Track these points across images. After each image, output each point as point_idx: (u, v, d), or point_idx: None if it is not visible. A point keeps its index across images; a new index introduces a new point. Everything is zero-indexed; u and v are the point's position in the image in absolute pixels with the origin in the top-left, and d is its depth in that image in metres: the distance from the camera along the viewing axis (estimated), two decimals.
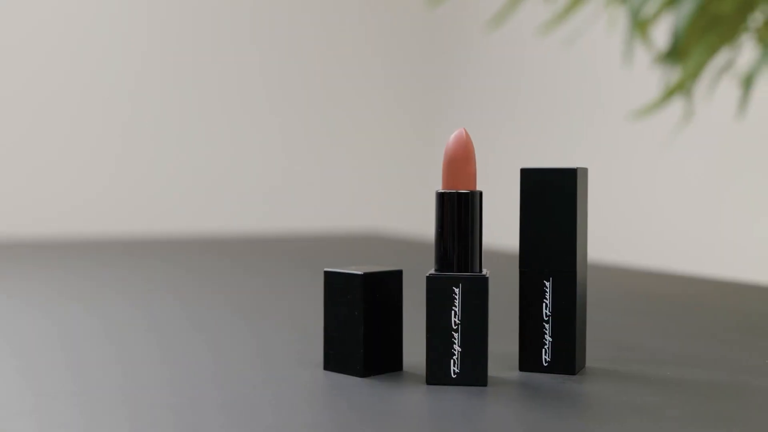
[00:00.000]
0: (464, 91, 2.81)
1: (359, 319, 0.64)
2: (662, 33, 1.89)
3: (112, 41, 2.43)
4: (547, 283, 0.64)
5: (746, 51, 1.71)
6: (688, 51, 1.48)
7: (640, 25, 1.51)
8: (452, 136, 0.63)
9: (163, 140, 2.51)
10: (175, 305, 1.01)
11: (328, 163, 2.74)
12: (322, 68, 2.73)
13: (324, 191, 2.72)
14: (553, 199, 0.64)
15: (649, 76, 1.91)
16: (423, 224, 2.41)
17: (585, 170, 0.66)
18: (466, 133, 0.64)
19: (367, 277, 0.64)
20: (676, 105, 1.93)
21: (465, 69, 2.83)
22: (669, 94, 1.47)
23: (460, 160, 0.63)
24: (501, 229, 1.86)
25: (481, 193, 0.63)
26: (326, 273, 0.66)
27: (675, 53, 1.46)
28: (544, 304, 0.64)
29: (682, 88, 1.47)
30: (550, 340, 0.64)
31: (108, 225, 2.38)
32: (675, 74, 1.53)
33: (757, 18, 1.51)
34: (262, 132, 2.64)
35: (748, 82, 1.43)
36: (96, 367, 0.69)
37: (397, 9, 2.84)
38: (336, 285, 0.65)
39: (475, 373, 0.61)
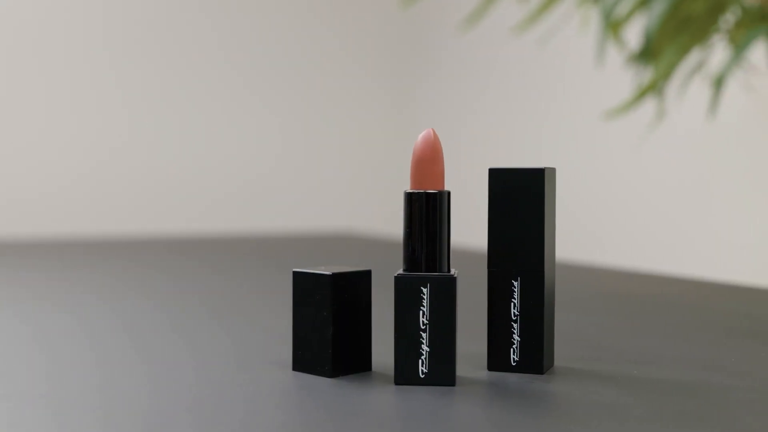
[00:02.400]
0: (436, 91, 2.81)
1: (328, 320, 0.63)
2: (634, 33, 1.90)
3: (96, 39, 2.42)
4: (515, 283, 0.64)
5: (718, 51, 1.72)
6: (659, 51, 1.49)
7: (612, 26, 1.52)
8: (420, 136, 0.63)
9: (133, 142, 2.50)
10: (147, 305, 1.00)
11: (300, 164, 2.73)
12: (294, 69, 2.73)
13: (296, 191, 2.72)
14: (521, 199, 0.64)
15: (621, 77, 1.92)
16: (395, 224, 2.41)
17: (553, 170, 0.66)
18: (434, 133, 0.64)
19: (336, 277, 0.64)
20: (649, 105, 1.94)
21: (436, 69, 2.83)
22: (641, 94, 1.48)
23: (428, 160, 0.63)
24: (469, 228, 1.86)
25: (449, 193, 0.63)
26: (295, 273, 0.66)
27: (647, 53, 1.47)
28: (512, 304, 0.64)
29: (654, 88, 1.48)
30: (519, 339, 0.65)
31: (80, 226, 2.36)
32: (647, 74, 1.53)
33: (728, 19, 1.52)
34: (235, 133, 2.64)
35: (718, 83, 1.44)
36: (67, 367, 0.68)
37: (369, 9, 2.84)
38: (304, 285, 0.65)
39: (443, 373, 0.61)
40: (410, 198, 0.63)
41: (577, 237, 2.18)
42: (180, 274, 1.32)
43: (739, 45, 1.42)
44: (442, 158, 0.63)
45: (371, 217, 2.75)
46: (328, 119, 2.79)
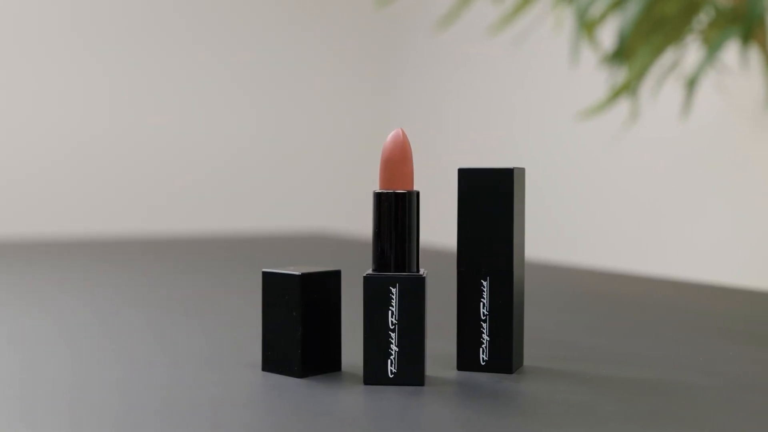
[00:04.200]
0: (408, 91, 2.82)
1: (297, 320, 0.63)
2: (608, 34, 1.91)
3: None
4: (485, 283, 0.64)
5: (691, 52, 1.73)
6: (633, 52, 1.50)
7: (586, 26, 1.53)
8: (389, 136, 0.63)
9: (110, 141, 2.49)
10: (120, 305, 1.00)
11: (273, 165, 2.73)
12: (268, 72, 2.72)
13: (270, 192, 2.71)
14: (490, 199, 0.64)
15: (595, 77, 1.93)
16: (369, 224, 2.41)
17: (522, 170, 0.66)
18: (403, 133, 0.64)
19: (305, 277, 0.63)
20: (622, 105, 1.95)
21: (407, 69, 2.84)
22: (615, 94, 1.49)
23: (397, 160, 0.63)
24: (439, 228, 1.86)
25: (418, 193, 0.63)
26: (264, 273, 0.66)
27: (621, 54, 1.47)
28: (481, 304, 0.65)
29: (628, 88, 1.48)
30: (488, 339, 0.65)
31: (56, 226, 2.35)
32: (621, 75, 1.54)
33: (701, 20, 1.53)
34: (210, 134, 2.63)
35: (691, 84, 1.45)
36: (39, 367, 0.68)
37: (342, 11, 2.84)
38: (274, 286, 0.65)
39: (412, 373, 0.61)
40: (379, 198, 0.63)
41: (548, 237, 2.19)
42: (153, 274, 1.32)
43: (713, 45, 1.43)
44: (411, 158, 0.63)
45: (346, 216, 2.75)
46: (301, 119, 2.78)
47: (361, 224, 2.60)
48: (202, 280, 1.25)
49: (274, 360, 0.65)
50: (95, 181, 2.44)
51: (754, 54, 1.72)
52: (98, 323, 0.89)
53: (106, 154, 2.46)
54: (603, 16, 1.52)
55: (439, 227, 1.81)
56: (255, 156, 2.69)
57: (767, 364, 0.70)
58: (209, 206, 2.60)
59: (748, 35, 1.42)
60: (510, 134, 2.41)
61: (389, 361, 0.61)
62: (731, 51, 1.76)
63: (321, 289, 0.65)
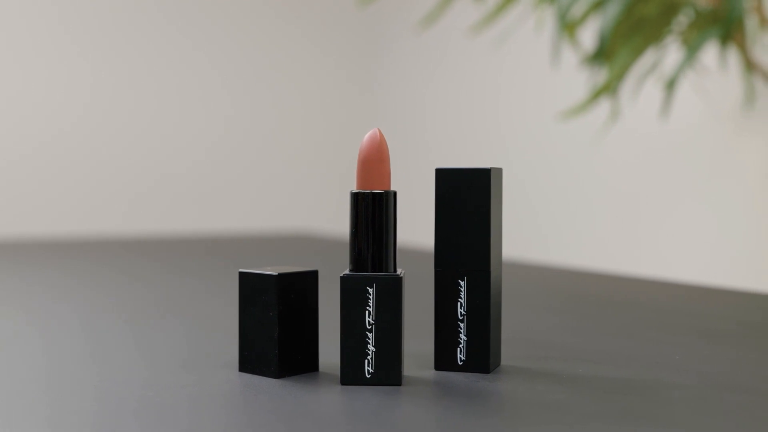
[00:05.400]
0: (390, 90, 2.82)
1: (274, 320, 0.63)
2: (589, 35, 1.91)
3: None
4: (462, 283, 0.64)
5: (671, 53, 1.74)
6: (614, 52, 1.50)
7: (567, 27, 1.53)
8: (366, 136, 0.63)
9: (89, 140, 2.48)
10: (96, 305, 0.99)
11: (259, 164, 2.73)
12: (250, 69, 2.72)
13: (254, 191, 2.71)
14: (467, 199, 0.64)
15: (575, 77, 1.93)
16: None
17: (499, 170, 0.66)
18: (380, 133, 0.64)
19: (281, 278, 0.63)
20: (603, 106, 1.96)
21: (387, 69, 2.84)
22: (596, 95, 1.49)
23: (374, 160, 0.63)
24: (416, 228, 1.86)
25: (395, 193, 0.63)
26: (241, 274, 0.65)
27: (601, 54, 1.48)
28: (458, 304, 0.65)
29: (608, 89, 1.49)
30: (465, 339, 0.65)
31: (42, 226, 2.34)
32: (601, 75, 1.55)
33: (681, 21, 1.54)
34: (194, 132, 2.62)
35: (671, 85, 1.46)
36: (15, 368, 0.68)
37: (321, 11, 2.83)
38: (250, 286, 0.65)
39: (389, 373, 0.61)
40: (356, 198, 0.63)
41: (526, 236, 2.19)
42: (130, 274, 1.31)
43: (692, 47, 1.43)
44: (389, 158, 0.63)
45: (327, 216, 2.75)
46: (283, 119, 2.78)
47: (343, 224, 2.60)
48: (185, 281, 1.25)
49: (252, 360, 0.65)
50: (69, 180, 2.43)
51: (733, 55, 1.72)
52: (75, 323, 0.88)
53: (81, 154, 2.45)
54: (584, 17, 1.52)
55: (416, 227, 1.81)
56: (237, 155, 2.69)
57: (743, 363, 0.71)
58: (191, 206, 2.60)
59: (727, 37, 1.43)
60: (489, 134, 2.42)
61: (366, 361, 0.61)
62: (710, 52, 1.77)
63: (298, 289, 0.65)
